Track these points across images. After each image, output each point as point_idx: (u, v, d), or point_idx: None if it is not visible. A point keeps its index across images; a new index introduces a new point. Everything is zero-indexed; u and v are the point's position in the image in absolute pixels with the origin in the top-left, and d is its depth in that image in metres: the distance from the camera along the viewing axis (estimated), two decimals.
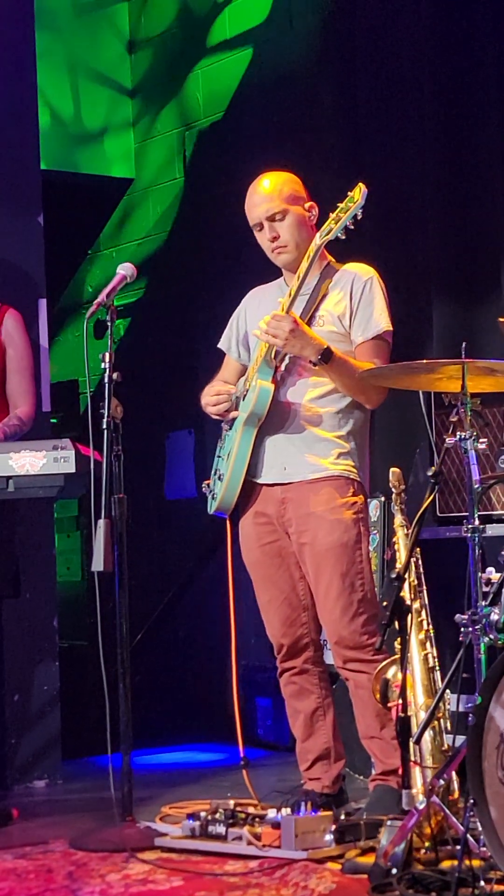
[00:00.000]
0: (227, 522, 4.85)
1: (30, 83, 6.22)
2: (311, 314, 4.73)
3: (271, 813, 4.33)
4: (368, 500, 4.79)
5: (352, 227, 4.60)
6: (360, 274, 4.76)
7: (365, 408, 4.73)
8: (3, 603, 5.87)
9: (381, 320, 4.71)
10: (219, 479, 4.79)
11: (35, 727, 6.00)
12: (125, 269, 4.67)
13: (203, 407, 4.88)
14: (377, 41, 6.53)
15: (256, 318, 4.76)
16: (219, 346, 5.05)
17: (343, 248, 4.82)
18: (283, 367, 4.71)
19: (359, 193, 4.58)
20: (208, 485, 4.88)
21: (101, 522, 4.43)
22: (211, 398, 4.84)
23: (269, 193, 4.75)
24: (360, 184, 4.61)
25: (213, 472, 4.86)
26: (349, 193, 4.60)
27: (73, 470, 4.74)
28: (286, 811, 4.30)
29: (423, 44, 6.27)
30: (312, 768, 4.81)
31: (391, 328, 4.73)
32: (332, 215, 4.63)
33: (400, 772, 4.03)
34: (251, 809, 4.57)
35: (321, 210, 4.76)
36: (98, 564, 4.41)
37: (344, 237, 4.64)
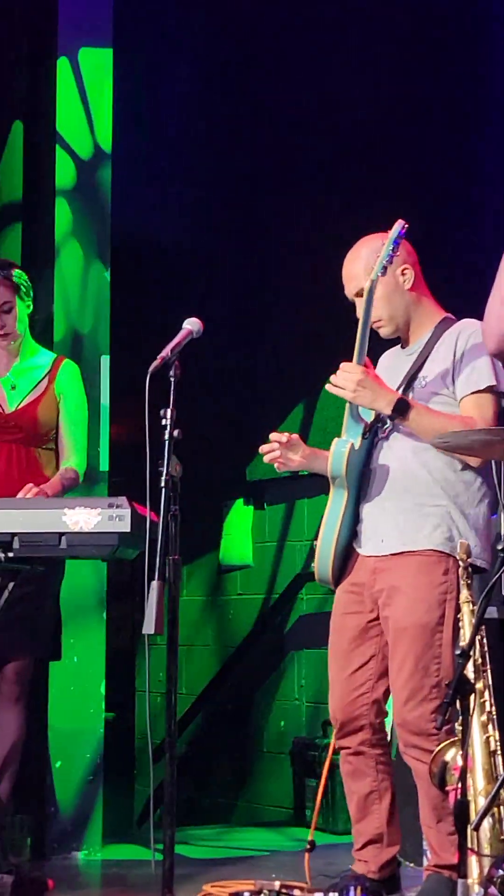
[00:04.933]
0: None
1: None
2: (413, 374, 4.53)
3: None
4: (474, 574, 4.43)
5: (388, 263, 4.39)
6: (466, 327, 4.51)
7: (475, 470, 4.45)
8: (50, 667, 5.76)
9: (483, 373, 4.42)
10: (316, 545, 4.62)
11: (76, 796, 5.84)
12: (191, 325, 4.53)
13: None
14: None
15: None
16: None
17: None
18: (385, 432, 4.50)
19: (394, 229, 4.41)
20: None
21: (154, 584, 4.27)
22: (264, 447, 4.62)
23: (358, 269, 4.53)
24: (399, 220, 4.43)
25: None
26: (388, 231, 4.43)
27: (129, 529, 4.56)
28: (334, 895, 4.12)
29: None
30: (363, 850, 4.61)
31: (497, 383, 4.43)
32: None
33: (456, 861, 3.83)
34: (297, 892, 4.38)
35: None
36: (149, 627, 4.24)
37: (383, 274, 4.43)
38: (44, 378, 5.34)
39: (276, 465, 4.62)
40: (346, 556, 4.55)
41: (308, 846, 4.65)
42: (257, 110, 7.69)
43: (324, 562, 4.55)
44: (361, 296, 4.50)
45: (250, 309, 7.79)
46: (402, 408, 4.37)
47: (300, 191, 7.41)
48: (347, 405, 4.48)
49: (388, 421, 4.47)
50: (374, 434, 4.52)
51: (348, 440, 4.49)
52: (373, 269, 4.44)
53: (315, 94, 7.31)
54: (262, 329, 7.74)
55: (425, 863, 4.56)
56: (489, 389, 4.44)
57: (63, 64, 6.15)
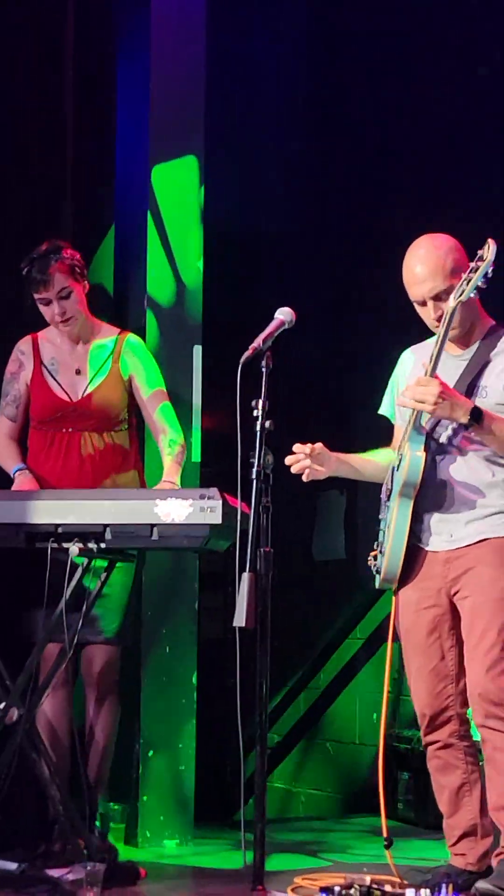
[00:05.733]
0: (394, 597, 4.68)
1: None
2: (471, 383, 4.53)
3: (410, 893, 4.12)
4: None
5: (483, 286, 4.40)
6: None
7: None
8: (143, 657, 5.76)
9: None
10: (381, 552, 4.61)
11: (169, 786, 5.85)
12: (284, 314, 4.49)
13: None
14: None
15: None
16: (380, 412, 4.86)
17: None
18: (444, 439, 4.52)
19: (489, 251, 4.38)
20: (374, 557, 4.66)
21: (245, 576, 4.25)
22: (289, 458, 4.57)
23: (433, 270, 4.49)
24: (490, 240, 4.41)
25: (375, 544, 4.68)
26: (479, 251, 4.40)
27: (220, 521, 4.55)
28: (426, 892, 4.09)
29: None
30: (458, 844, 4.60)
31: None
32: (464, 276, 4.42)
33: None
34: (388, 887, 4.35)
35: None
36: (239, 620, 4.23)
37: (476, 296, 4.43)
38: (108, 359, 5.28)
39: (303, 475, 4.60)
40: (411, 555, 4.58)
41: (385, 842, 4.61)
42: (352, 112, 7.66)
43: (394, 563, 4.57)
44: (438, 300, 4.49)
45: (344, 298, 7.74)
46: (478, 416, 4.38)
47: (395, 184, 7.36)
48: (413, 416, 4.48)
49: (462, 429, 4.48)
50: (434, 441, 4.54)
51: (416, 450, 4.50)
52: (454, 280, 4.45)
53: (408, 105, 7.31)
54: (357, 318, 7.69)
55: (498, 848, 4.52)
56: None
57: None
